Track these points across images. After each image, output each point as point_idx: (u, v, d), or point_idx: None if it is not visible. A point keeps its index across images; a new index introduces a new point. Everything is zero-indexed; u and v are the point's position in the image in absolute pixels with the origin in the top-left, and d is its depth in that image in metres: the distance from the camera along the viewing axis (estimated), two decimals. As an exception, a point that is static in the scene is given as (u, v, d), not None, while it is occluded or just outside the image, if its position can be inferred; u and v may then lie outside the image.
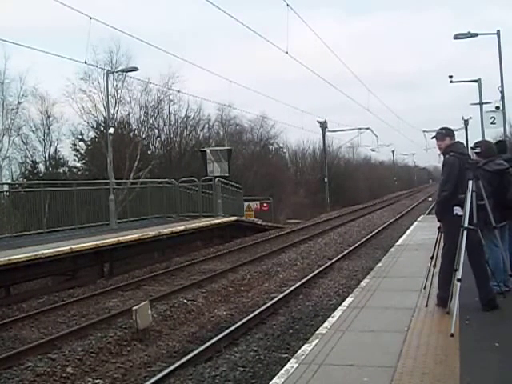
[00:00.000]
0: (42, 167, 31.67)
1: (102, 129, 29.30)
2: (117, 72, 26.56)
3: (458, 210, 5.57)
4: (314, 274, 12.04)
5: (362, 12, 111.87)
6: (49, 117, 31.67)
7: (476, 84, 22.82)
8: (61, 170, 32.15)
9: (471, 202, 5.31)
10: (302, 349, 4.88)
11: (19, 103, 29.89)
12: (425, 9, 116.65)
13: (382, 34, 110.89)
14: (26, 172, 30.82)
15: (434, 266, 6.04)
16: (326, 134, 43.72)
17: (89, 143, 32.22)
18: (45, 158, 31.71)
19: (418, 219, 18.75)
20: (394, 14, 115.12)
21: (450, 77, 22.03)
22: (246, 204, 26.82)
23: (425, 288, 6.39)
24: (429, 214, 24.90)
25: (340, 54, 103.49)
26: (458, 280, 5.16)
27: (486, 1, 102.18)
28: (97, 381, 6.37)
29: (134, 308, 8.04)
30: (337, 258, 14.20)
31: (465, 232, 5.27)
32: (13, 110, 29.63)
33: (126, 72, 24.22)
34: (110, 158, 20.03)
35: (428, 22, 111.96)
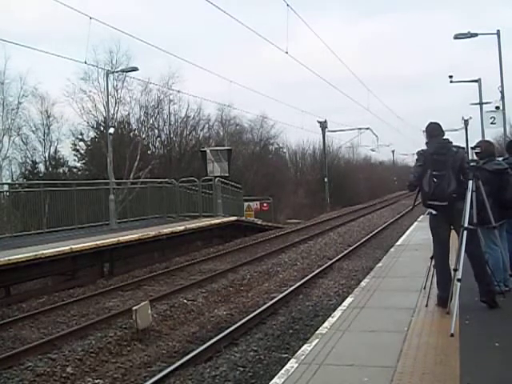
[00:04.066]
0: (42, 167, 31.74)
1: (102, 129, 29.32)
2: (117, 72, 26.59)
3: (431, 209, 5.79)
4: (314, 273, 12.04)
5: (367, 14, 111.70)
6: (49, 117, 31.75)
7: (478, 84, 22.85)
8: (61, 170, 32.18)
9: (471, 202, 5.33)
10: (302, 349, 4.88)
11: (19, 103, 30.00)
12: (429, 10, 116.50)
13: (385, 35, 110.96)
14: (26, 172, 30.84)
15: (434, 266, 6.04)
16: (326, 134, 43.79)
17: (89, 143, 32.24)
18: (45, 157, 31.77)
19: (418, 219, 18.71)
20: (397, 16, 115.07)
21: (450, 77, 22.06)
22: (246, 204, 26.83)
23: (425, 288, 6.39)
24: (428, 214, 24.83)
25: (344, 55, 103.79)
26: (458, 280, 5.17)
27: (491, 2, 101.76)
28: (97, 381, 6.37)
29: (134, 308, 8.03)
30: (337, 258, 14.19)
31: (464, 232, 5.30)
32: (13, 110, 29.71)
33: (126, 72, 24.25)
34: (110, 158, 20.04)
35: (432, 23, 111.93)
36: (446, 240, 5.80)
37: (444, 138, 5.92)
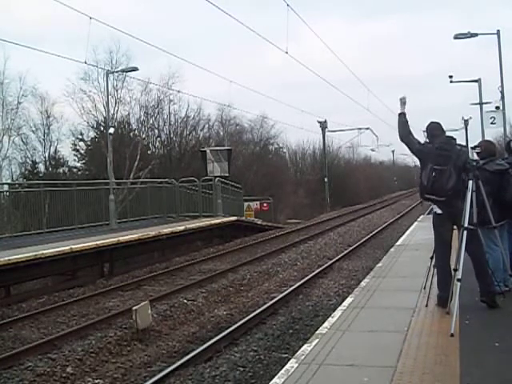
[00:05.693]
0: (42, 167, 31.69)
1: (102, 129, 29.29)
2: (117, 72, 26.57)
3: (436, 209, 5.80)
4: (314, 274, 12.04)
5: (368, 15, 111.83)
6: (49, 117, 31.71)
7: (478, 84, 22.85)
8: (61, 170, 32.13)
9: (471, 202, 5.33)
10: (302, 349, 4.87)
11: (19, 103, 29.93)
12: (429, 10, 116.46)
13: (386, 36, 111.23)
14: (26, 172, 30.79)
15: (434, 266, 6.05)
16: (326, 134, 43.78)
17: (89, 143, 32.22)
18: (45, 158, 31.72)
19: (418, 219, 18.75)
20: (398, 16, 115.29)
21: (450, 77, 22.06)
22: (246, 204, 26.81)
23: (425, 288, 6.39)
24: (429, 213, 24.88)
25: (344, 55, 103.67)
26: (458, 280, 5.17)
27: (491, 2, 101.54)
28: (97, 381, 6.37)
29: (134, 308, 8.04)
30: (337, 258, 14.20)
31: (465, 232, 5.30)
32: (13, 109, 29.65)
33: (126, 72, 24.23)
34: (110, 158, 20.04)
35: (432, 23, 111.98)
36: (449, 240, 5.80)
37: (448, 135, 5.92)
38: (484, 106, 21.43)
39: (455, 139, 5.89)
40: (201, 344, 7.36)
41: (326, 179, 41.57)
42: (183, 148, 34.83)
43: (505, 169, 6.11)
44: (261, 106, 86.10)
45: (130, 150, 29.60)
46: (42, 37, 50.89)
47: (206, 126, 37.71)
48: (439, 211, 5.73)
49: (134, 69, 21.92)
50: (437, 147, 5.69)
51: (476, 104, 22.58)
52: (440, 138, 5.80)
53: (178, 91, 31.67)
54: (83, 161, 32.55)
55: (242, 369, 6.33)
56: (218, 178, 22.55)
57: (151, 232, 15.60)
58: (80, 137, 32.15)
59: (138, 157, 29.95)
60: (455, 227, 5.76)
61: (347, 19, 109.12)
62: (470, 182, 5.38)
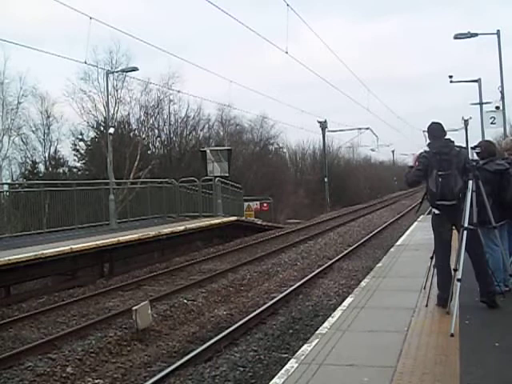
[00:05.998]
0: (42, 167, 31.72)
1: (102, 129, 29.30)
2: (117, 72, 26.58)
3: (434, 209, 5.78)
4: (314, 274, 12.04)
5: (368, 16, 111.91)
6: (49, 117, 31.75)
7: (478, 84, 22.83)
8: (61, 170, 32.15)
9: (471, 202, 5.33)
10: (302, 349, 4.87)
11: (19, 103, 29.98)
12: (429, 10, 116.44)
13: (386, 36, 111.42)
14: (26, 172, 30.81)
15: (434, 266, 6.04)
16: (326, 134, 43.79)
17: (89, 143, 32.23)
18: (45, 158, 31.76)
19: (418, 219, 18.72)
20: (398, 17, 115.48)
21: (450, 77, 22.06)
22: (246, 204, 26.82)
23: (425, 288, 6.39)
24: (429, 214, 24.82)
25: (345, 55, 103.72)
26: (458, 280, 5.16)
27: (491, 2, 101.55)
28: (97, 381, 6.37)
29: (134, 308, 8.04)
30: (337, 258, 14.20)
31: (465, 232, 5.30)
32: (13, 109, 29.67)
33: (126, 72, 24.23)
34: (110, 158, 20.03)
35: (432, 23, 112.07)
36: (448, 240, 5.79)
37: (446, 138, 5.91)
38: (484, 105, 21.42)
39: (453, 141, 5.87)
40: (201, 344, 7.36)
41: (326, 179, 41.58)
42: (183, 148, 34.85)
43: (505, 169, 6.11)
44: (261, 105, 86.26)
45: (129, 150, 29.61)
46: (42, 37, 50.99)
47: (206, 125, 37.81)
48: (437, 211, 5.73)
49: (134, 69, 21.92)
50: (435, 152, 5.68)
51: (476, 104, 22.57)
52: (439, 142, 5.79)
53: (178, 91, 31.75)
54: (83, 161, 32.57)
55: (242, 369, 6.33)
56: (218, 178, 22.55)
57: (151, 232, 15.60)
58: (80, 137, 32.23)
59: (138, 157, 29.97)
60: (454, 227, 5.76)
61: (347, 19, 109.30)
62: (470, 182, 5.38)
